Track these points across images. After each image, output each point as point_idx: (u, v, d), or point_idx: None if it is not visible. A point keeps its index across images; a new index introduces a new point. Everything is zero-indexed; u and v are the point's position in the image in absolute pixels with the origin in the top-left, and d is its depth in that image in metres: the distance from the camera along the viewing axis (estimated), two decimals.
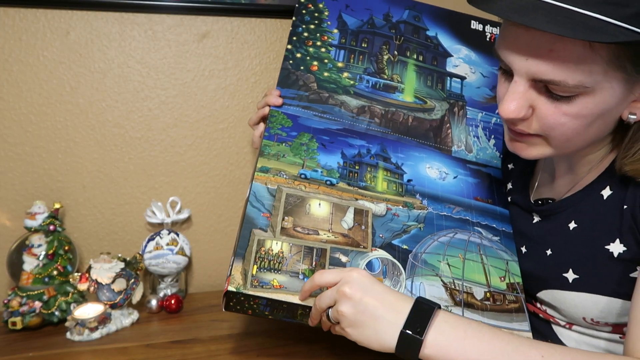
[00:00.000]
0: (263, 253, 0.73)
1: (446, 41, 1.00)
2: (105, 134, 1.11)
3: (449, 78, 0.98)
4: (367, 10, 0.99)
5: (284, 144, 0.86)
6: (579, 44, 0.58)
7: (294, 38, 0.95)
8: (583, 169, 0.76)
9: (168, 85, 1.13)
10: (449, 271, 0.78)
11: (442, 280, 0.76)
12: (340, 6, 0.98)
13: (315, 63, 0.94)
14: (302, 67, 0.94)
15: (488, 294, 0.76)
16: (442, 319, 0.62)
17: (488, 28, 1.01)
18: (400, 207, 0.83)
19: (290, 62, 0.94)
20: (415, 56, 0.97)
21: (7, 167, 1.07)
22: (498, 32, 0.69)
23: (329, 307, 0.66)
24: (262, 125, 0.91)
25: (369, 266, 0.76)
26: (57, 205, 1.03)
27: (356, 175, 0.85)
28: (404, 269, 0.76)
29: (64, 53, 1.07)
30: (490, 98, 0.97)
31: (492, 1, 0.61)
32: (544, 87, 0.63)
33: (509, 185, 0.91)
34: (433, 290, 0.75)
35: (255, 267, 0.71)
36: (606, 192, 0.72)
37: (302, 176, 0.83)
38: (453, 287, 0.76)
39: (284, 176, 0.82)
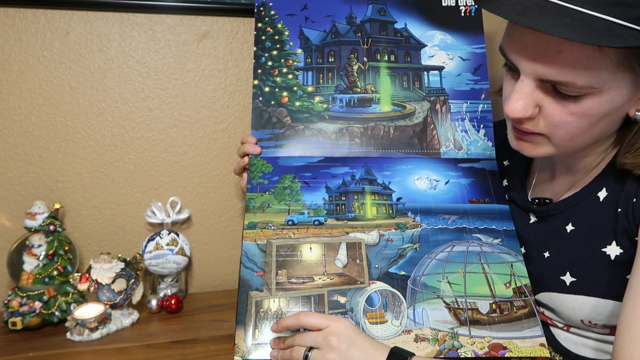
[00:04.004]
0: (262, 314, 0.73)
1: (417, 30, 0.96)
2: (105, 134, 1.11)
3: (425, 73, 0.94)
4: (328, 17, 0.96)
5: (267, 193, 0.85)
6: (588, 47, 0.57)
7: (259, 71, 0.93)
8: (582, 169, 0.76)
9: (168, 85, 1.13)
10: (450, 290, 0.76)
11: (444, 301, 0.75)
12: (299, 20, 0.96)
13: (285, 94, 0.93)
14: (272, 102, 0.92)
15: (494, 305, 0.75)
16: None
17: (461, 1, 0.96)
18: (393, 230, 0.82)
19: (260, 99, 0.92)
20: (386, 57, 0.94)
21: (7, 167, 1.07)
22: (504, 31, 0.68)
23: (306, 349, 0.66)
24: (245, 175, 0.90)
25: (369, 301, 0.75)
26: (57, 205, 1.03)
27: (344, 207, 0.85)
28: (405, 297, 0.75)
29: (64, 53, 1.07)
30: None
31: (497, 1, 0.61)
32: (551, 87, 0.63)
33: (505, 182, 0.91)
34: (436, 315, 0.73)
35: (256, 331, 0.71)
36: (602, 194, 0.72)
37: (290, 222, 0.82)
38: (456, 306, 0.74)
39: (272, 228, 0.81)
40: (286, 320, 0.69)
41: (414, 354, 0.65)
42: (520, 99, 0.64)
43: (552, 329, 0.78)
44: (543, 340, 0.71)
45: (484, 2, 0.63)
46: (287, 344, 0.68)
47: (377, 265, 0.78)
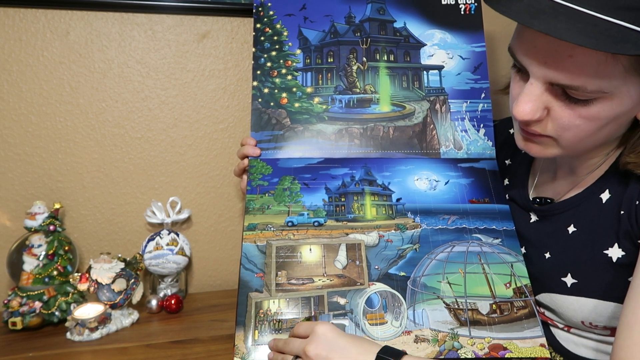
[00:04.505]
0: (262, 315, 0.73)
1: (416, 29, 0.95)
2: (105, 134, 1.11)
3: (425, 72, 0.94)
4: (327, 17, 0.96)
5: (267, 194, 0.85)
6: (600, 52, 0.56)
7: (258, 72, 0.93)
8: (585, 170, 0.76)
9: (168, 85, 1.13)
10: (450, 290, 0.76)
11: (444, 302, 0.75)
12: (298, 21, 0.95)
13: (284, 95, 0.93)
14: (272, 104, 0.92)
15: (494, 305, 0.74)
16: None
17: None
18: (393, 231, 0.82)
19: (259, 100, 0.92)
20: (385, 57, 0.94)
21: (7, 167, 1.07)
22: (514, 32, 0.67)
23: (294, 356, 0.66)
24: (245, 177, 0.90)
25: (368, 303, 0.75)
26: (57, 205, 1.03)
27: (343, 208, 0.85)
28: (404, 298, 0.75)
29: (64, 53, 1.07)
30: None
31: (508, 2, 0.60)
32: (561, 90, 0.62)
33: (506, 181, 0.90)
34: (436, 315, 0.73)
35: (256, 332, 0.71)
36: (605, 196, 0.72)
37: (289, 224, 0.82)
38: (456, 306, 0.74)
39: (272, 229, 0.81)
40: (281, 345, 0.69)
41: (405, 353, 0.63)
42: (529, 102, 0.64)
43: (553, 330, 0.78)
44: (543, 340, 0.71)
45: (494, 3, 0.62)
46: (278, 347, 0.68)
47: (376, 267, 0.78)
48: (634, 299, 0.61)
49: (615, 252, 0.69)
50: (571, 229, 0.74)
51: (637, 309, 0.60)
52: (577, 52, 0.58)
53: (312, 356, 0.63)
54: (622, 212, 0.68)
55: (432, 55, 0.95)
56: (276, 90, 0.93)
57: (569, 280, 0.73)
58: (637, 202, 0.66)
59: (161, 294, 1.07)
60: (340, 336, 0.65)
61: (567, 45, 0.58)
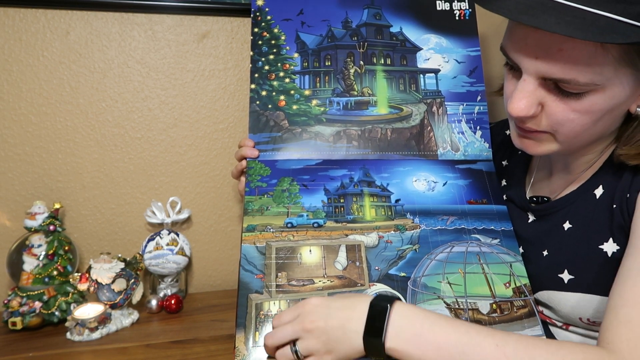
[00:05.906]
0: (262, 317, 0.72)
1: (412, 33, 0.97)
2: (105, 134, 1.11)
3: (421, 75, 0.95)
4: (324, 22, 0.97)
5: (265, 196, 0.85)
6: (590, 44, 0.58)
7: (256, 75, 0.94)
8: (579, 167, 0.76)
9: (168, 85, 1.13)
10: (450, 290, 0.76)
11: (444, 302, 0.75)
12: (296, 25, 0.96)
13: (282, 97, 0.93)
14: (270, 106, 0.93)
15: (494, 305, 0.75)
16: (398, 315, 0.61)
17: (456, 5, 0.98)
18: (392, 232, 0.82)
19: (257, 102, 0.93)
20: (382, 61, 0.95)
21: (7, 167, 1.07)
22: (505, 31, 0.68)
23: (287, 343, 0.64)
24: (243, 179, 0.90)
25: None
26: (57, 205, 1.04)
27: (342, 209, 0.85)
28: (405, 299, 0.75)
29: (64, 53, 1.07)
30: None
31: (498, 1, 0.61)
32: (554, 85, 0.63)
33: (503, 182, 0.91)
34: None
35: (257, 333, 0.71)
36: (599, 191, 0.72)
37: (289, 225, 0.82)
38: (457, 306, 0.74)
39: (271, 230, 0.81)
40: (269, 339, 0.66)
41: (398, 298, 0.62)
42: (523, 98, 0.65)
43: (551, 328, 0.78)
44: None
45: (485, 2, 0.63)
46: (272, 342, 0.65)
47: (376, 267, 0.78)
48: (621, 282, 0.61)
49: (610, 247, 0.69)
50: (567, 225, 0.75)
51: (624, 291, 0.60)
52: (567, 45, 0.59)
53: (312, 329, 0.62)
54: (614, 205, 0.69)
55: (428, 59, 0.96)
56: (274, 93, 0.93)
57: (565, 276, 0.73)
58: (628, 195, 0.67)
59: (161, 294, 1.07)
60: (331, 300, 0.64)
61: (557, 39, 0.59)
